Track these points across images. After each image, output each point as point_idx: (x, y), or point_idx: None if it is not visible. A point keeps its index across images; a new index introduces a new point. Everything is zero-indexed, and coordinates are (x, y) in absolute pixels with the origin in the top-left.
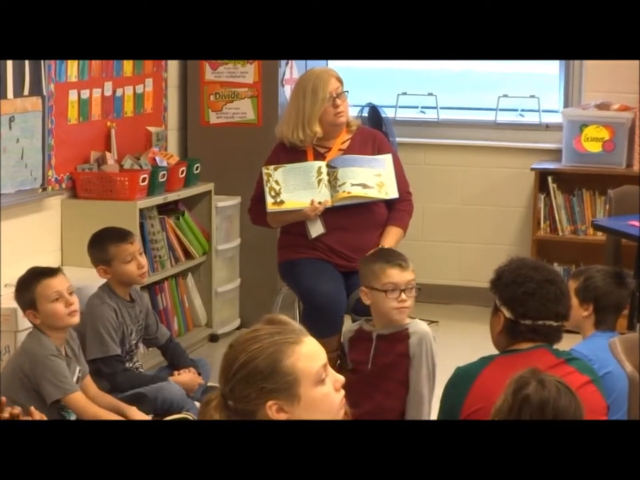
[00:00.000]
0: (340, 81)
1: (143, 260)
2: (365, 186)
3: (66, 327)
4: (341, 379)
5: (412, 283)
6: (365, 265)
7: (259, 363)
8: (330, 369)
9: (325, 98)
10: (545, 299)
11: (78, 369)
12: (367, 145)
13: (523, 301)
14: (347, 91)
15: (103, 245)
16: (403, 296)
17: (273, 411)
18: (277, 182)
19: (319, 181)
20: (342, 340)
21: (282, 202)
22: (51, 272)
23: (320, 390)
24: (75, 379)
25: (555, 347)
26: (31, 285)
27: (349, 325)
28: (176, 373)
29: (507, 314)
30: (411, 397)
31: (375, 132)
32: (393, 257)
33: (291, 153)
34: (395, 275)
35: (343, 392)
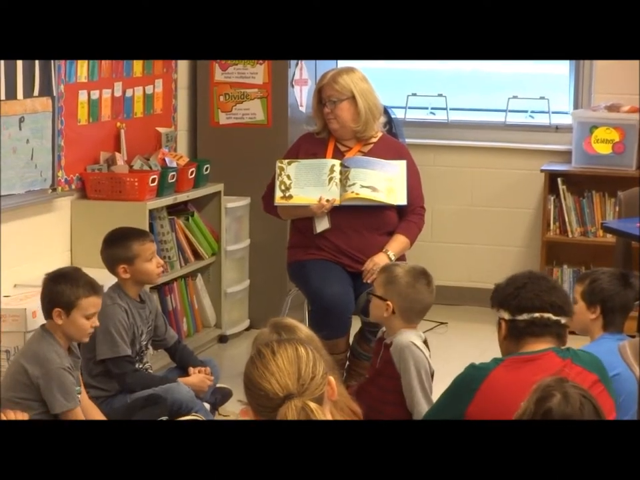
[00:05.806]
0: (342, 87)
1: (160, 259)
2: (373, 189)
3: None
4: None
5: None
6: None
7: None
8: None
9: (317, 100)
10: (537, 289)
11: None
12: (388, 154)
13: (515, 295)
14: (337, 100)
15: (127, 243)
16: None
17: None
18: (288, 176)
19: (330, 179)
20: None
21: (290, 196)
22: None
23: None
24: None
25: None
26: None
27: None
28: (191, 370)
29: (505, 315)
30: (410, 406)
31: (401, 146)
32: None
33: (314, 145)
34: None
35: None
